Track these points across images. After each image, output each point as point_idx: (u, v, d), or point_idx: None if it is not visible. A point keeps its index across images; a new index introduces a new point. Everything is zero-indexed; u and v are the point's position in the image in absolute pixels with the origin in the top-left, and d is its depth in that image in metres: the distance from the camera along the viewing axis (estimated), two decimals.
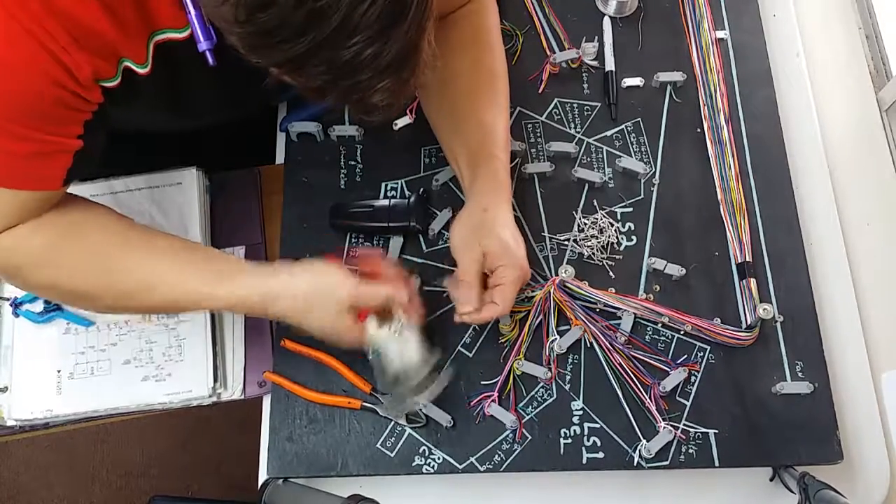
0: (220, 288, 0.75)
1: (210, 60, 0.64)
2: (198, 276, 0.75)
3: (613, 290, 0.87)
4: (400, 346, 0.77)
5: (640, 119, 0.96)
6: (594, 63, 0.99)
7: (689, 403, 0.82)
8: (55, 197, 0.72)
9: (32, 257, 0.72)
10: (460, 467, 0.81)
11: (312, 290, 0.75)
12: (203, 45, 0.63)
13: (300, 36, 0.51)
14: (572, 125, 0.96)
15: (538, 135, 0.96)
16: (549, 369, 0.83)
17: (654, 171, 0.93)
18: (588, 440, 0.81)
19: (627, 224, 0.91)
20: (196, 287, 0.75)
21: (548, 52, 0.99)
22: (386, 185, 0.94)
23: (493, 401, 0.82)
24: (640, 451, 0.80)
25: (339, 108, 0.96)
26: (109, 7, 0.62)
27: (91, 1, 0.61)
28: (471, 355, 0.85)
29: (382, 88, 0.56)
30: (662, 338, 0.85)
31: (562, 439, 0.82)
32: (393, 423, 0.83)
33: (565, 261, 0.89)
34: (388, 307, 0.78)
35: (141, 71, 0.69)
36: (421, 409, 0.82)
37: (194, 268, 0.75)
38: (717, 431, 0.81)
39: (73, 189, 0.75)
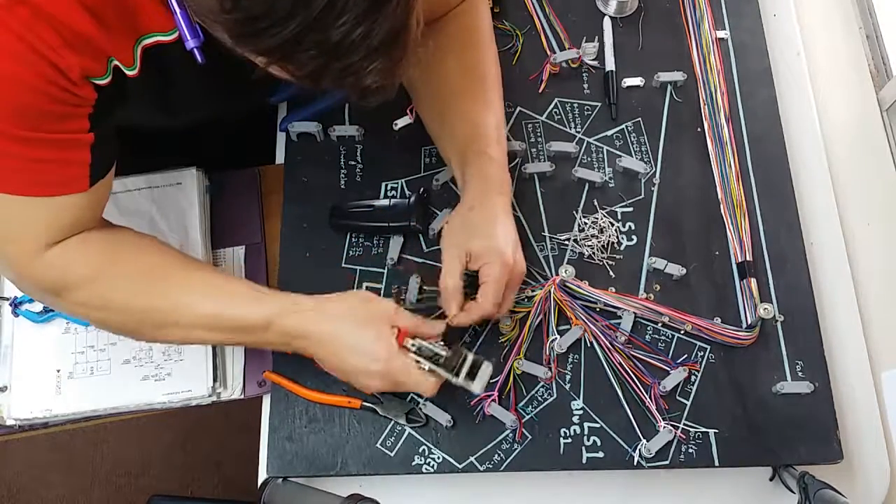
0: (266, 328, 0.76)
1: (199, 58, 0.63)
2: (241, 312, 0.76)
3: (614, 290, 0.86)
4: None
5: (640, 119, 0.96)
6: (594, 63, 0.99)
7: (689, 403, 0.82)
8: (85, 200, 0.71)
9: (87, 269, 0.72)
10: (460, 467, 0.81)
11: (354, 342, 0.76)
12: (190, 44, 0.63)
13: (288, 19, 0.51)
14: (572, 125, 0.96)
15: (538, 135, 0.96)
16: (550, 369, 0.83)
17: (655, 171, 0.93)
18: (588, 440, 0.81)
19: (628, 224, 0.91)
20: (240, 324, 0.76)
21: (548, 52, 0.99)
22: (386, 185, 0.94)
23: (493, 400, 0.82)
24: (640, 450, 0.80)
25: (338, 102, 0.96)
26: (93, 11, 0.62)
27: (76, 5, 0.61)
28: None
29: (375, 69, 0.56)
30: (662, 337, 0.85)
31: (562, 439, 0.82)
32: (393, 422, 0.83)
33: (565, 260, 0.89)
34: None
35: (129, 73, 0.69)
36: (421, 409, 0.82)
37: (235, 304, 0.76)
38: (717, 431, 0.81)
39: None
